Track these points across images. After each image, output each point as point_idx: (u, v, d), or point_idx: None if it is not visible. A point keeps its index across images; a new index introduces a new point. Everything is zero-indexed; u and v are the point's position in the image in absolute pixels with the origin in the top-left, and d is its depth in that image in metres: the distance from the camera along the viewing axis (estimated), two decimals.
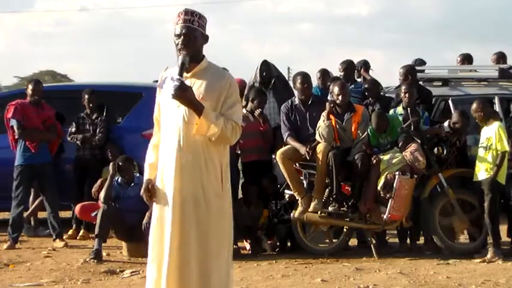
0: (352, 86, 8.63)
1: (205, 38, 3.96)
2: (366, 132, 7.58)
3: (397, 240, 7.97)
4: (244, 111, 8.25)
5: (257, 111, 8.00)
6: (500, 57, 10.19)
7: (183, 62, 3.84)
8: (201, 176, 3.87)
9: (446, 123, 7.63)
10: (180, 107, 3.87)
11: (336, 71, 9.15)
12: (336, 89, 7.68)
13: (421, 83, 8.88)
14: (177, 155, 3.87)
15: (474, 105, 7.39)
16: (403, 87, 7.98)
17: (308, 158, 7.46)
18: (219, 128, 3.84)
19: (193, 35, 3.88)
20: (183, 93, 3.77)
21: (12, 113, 8.37)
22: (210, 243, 3.87)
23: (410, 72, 8.40)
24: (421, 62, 10.21)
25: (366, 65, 9.91)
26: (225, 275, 3.95)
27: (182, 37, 3.87)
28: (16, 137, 8.39)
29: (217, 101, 3.90)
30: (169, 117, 3.94)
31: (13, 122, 8.37)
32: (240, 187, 8.29)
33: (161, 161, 3.96)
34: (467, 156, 7.83)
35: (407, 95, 7.84)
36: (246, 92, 8.69)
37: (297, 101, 7.95)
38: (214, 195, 3.91)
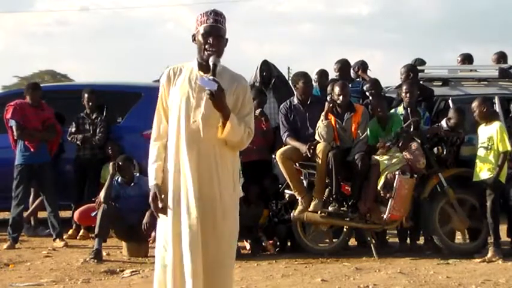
0: (350, 85, 8.63)
1: (226, 42, 3.93)
2: (366, 132, 7.59)
3: (397, 240, 7.98)
4: None
5: (257, 111, 8.00)
6: (501, 57, 10.19)
7: (215, 63, 3.80)
8: (218, 177, 3.85)
9: (443, 122, 7.66)
10: (200, 107, 3.82)
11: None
12: (336, 89, 7.68)
13: (421, 82, 8.89)
14: (195, 155, 3.81)
15: (476, 102, 7.36)
16: (404, 87, 7.98)
17: (309, 155, 7.44)
18: (240, 135, 3.84)
19: (222, 37, 3.88)
20: (221, 95, 3.72)
21: (11, 113, 8.38)
22: (223, 245, 3.88)
23: (412, 70, 8.42)
24: (421, 62, 10.21)
25: (363, 65, 9.91)
26: (231, 278, 3.94)
27: (213, 38, 3.83)
28: (15, 137, 8.41)
29: (233, 105, 3.86)
30: (184, 117, 3.84)
31: (12, 123, 8.39)
32: (241, 187, 8.30)
33: (173, 161, 3.86)
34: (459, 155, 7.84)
35: (408, 94, 7.84)
36: None
37: (295, 101, 7.95)
38: (228, 196, 3.91)
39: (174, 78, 3.94)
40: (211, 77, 3.75)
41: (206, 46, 3.84)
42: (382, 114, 7.70)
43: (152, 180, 3.92)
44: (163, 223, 3.87)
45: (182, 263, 3.79)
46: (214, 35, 3.83)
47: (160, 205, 3.85)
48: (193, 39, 3.92)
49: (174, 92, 3.91)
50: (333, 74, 9.15)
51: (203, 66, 3.89)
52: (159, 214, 3.88)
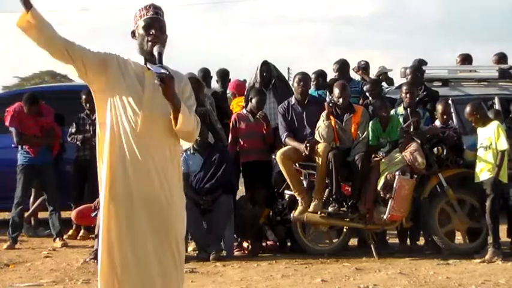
0: (350, 85, 8.65)
1: (166, 38, 3.82)
2: (365, 133, 7.59)
3: (397, 240, 7.97)
4: (244, 111, 8.27)
5: (260, 114, 8.02)
6: (501, 58, 10.18)
7: (160, 52, 3.68)
8: (167, 176, 3.74)
9: (437, 122, 7.70)
10: (150, 102, 3.67)
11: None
12: (336, 91, 7.69)
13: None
14: (146, 151, 3.68)
15: (468, 109, 7.38)
16: (404, 88, 8.00)
17: (307, 153, 7.44)
18: (193, 124, 3.74)
19: (164, 28, 3.79)
20: (172, 80, 3.61)
21: (9, 121, 8.48)
22: (180, 246, 3.78)
23: (420, 71, 8.48)
24: (422, 62, 10.21)
25: (366, 66, 9.91)
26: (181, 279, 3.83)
27: (154, 30, 3.72)
28: (14, 144, 8.47)
29: (181, 98, 3.74)
30: (132, 114, 3.66)
31: (11, 129, 8.47)
32: (243, 186, 8.32)
33: (122, 157, 3.67)
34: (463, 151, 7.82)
35: (408, 95, 7.86)
36: (246, 92, 8.70)
37: (293, 101, 7.97)
38: (179, 195, 3.80)
39: (120, 69, 3.73)
40: (159, 65, 3.64)
41: (148, 38, 3.72)
42: (385, 116, 7.71)
43: None
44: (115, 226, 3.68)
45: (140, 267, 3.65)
46: (156, 26, 3.75)
47: None
48: (133, 35, 3.80)
49: (119, 87, 3.70)
50: (332, 75, 9.16)
51: (148, 60, 3.74)
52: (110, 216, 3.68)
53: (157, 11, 3.80)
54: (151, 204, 3.69)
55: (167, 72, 3.61)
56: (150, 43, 3.72)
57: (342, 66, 9.02)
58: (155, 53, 3.68)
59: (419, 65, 8.88)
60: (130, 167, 3.67)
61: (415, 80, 8.31)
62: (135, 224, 3.66)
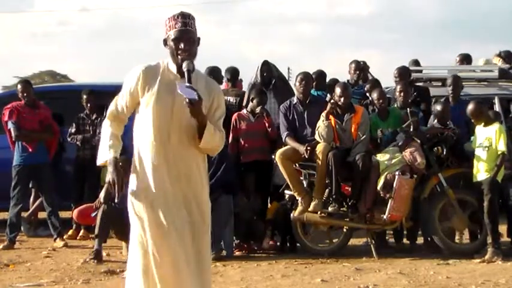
0: (355, 87, 8.67)
1: (199, 41, 3.87)
2: (366, 133, 7.59)
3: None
4: (244, 111, 8.27)
5: (258, 109, 8.01)
6: (507, 57, 10.15)
7: (189, 69, 3.74)
8: (195, 178, 3.87)
9: (434, 121, 7.70)
10: (179, 117, 3.78)
11: (334, 72, 9.20)
12: (338, 90, 7.70)
13: (419, 84, 8.93)
14: (176, 159, 3.81)
15: (471, 107, 7.37)
16: (398, 87, 8.06)
17: (307, 156, 7.46)
18: (216, 141, 3.85)
19: (193, 39, 3.81)
20: (200, 103, 3.69)
21: (8, 116, 8.48)
22: (206, 239, 3.93)
23: (406, 72, 8.51)
24: (415, 62, 10.20)
25: (364, 67, 9.93)
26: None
27: (185, 43, 3.76)
28: (13, 139, 8.46)
29: (209, 109, 3.86)
30: (163, 126, 3.78)
31: (10, 125, 8.45)
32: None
33: (151, 166, 3.80)
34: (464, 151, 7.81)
35: (402, 94, 7.90)
36: (247, 92, 8.69)
37: (295, 100, 7.98)
38: (206, 196, 3.92)
39: (149, 80, 3.83)
40: (188, 84, 3.69)
41: (178, 51, 3.77)
42: (383, 106, 7.73)
43: (110, 153, 3.82)
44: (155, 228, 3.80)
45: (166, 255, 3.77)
46: (185, 39, 3.77)
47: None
48: (165, 44, 3.84)
49: (150, 96, 3.82)
50: (332, 75, 9.19)
51: (180, 71, 3.82)
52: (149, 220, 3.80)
53: (185, 22, 3.80)
54: (192, 207, 3.84)
55: (196, 97, 3.67)
56: (179, 57, 3.78)
57: (360, 67, 9.11)
58: (184, 69, 3.74)
59: (404, 67, 8.89)
60: (166, 174, 3.78)
61: (405, 78, 8.33)
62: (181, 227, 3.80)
